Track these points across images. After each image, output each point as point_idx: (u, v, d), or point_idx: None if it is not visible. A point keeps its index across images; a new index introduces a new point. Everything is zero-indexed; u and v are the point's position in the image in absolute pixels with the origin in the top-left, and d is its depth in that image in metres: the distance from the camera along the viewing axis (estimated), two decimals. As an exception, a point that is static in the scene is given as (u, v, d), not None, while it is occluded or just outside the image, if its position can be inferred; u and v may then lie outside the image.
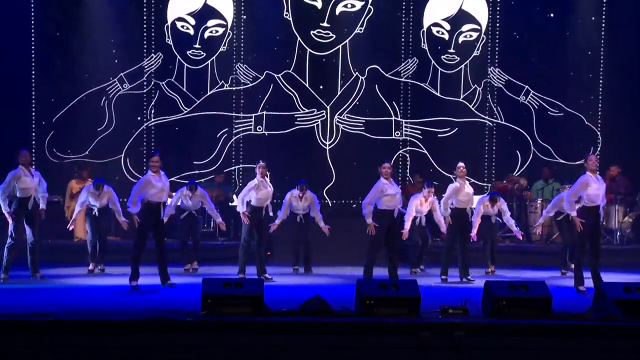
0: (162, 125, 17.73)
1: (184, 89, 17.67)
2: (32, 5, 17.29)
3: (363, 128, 17.89)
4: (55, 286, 12.18)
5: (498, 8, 17.92)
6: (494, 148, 18.17)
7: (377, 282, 9.47)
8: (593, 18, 17.93)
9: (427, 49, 17.84)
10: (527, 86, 17.93)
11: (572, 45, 17.95)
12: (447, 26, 17.80)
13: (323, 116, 17.76)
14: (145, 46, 17.61)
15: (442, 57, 17.87)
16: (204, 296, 8.87)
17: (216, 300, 8.85)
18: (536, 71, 18.03)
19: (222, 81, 17.76)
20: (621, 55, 17.79)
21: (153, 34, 17.62)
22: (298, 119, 17.77)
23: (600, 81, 18.07)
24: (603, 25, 17.99)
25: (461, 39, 17.86)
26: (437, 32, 17.81)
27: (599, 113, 18.06)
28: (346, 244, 13.53)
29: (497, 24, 18.00)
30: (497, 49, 18.04)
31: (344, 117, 17.76)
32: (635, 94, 17.69)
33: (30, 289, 11.85)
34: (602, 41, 18.02)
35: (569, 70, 18.04)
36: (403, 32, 17.89)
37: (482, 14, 17.87)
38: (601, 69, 18.04)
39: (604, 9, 18.00)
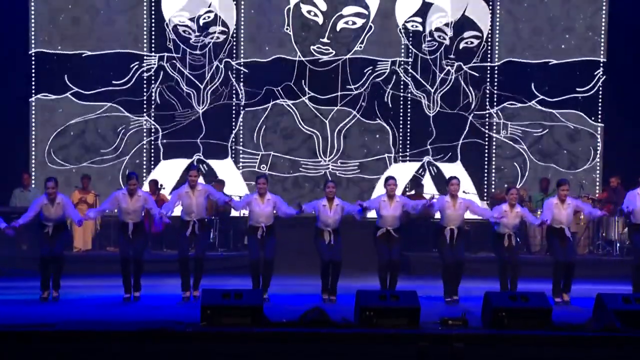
0: (162, 125, 17.75)
1: (184, 93, 17.70)
2: (32, 9, 17.39)
3: (358, 171, 17.95)
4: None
5: (498, 13, 17.95)
6: (494, 164, 18.15)
7: (376, 293, 9.47)
8: (593, 22, 17.95)
9: (427, 52, 17.90)
10: (502, 121, 17.99)
11: (573, 48, 17.97)
12: (449, 32, 17.89)
13: (328, 167, 17.82)
14: (145, 48, 17.65)
15: (442, 62, 17.93)
16: (204, 307, 8.87)
17: (216, 311, 8.85)
18: (536, 76, 18.01)
19: (222, 87, 17.77)
20: (622, 58, 17.77)
21: (153, 40, 17.69)
22: (303, 166, 17.85)
23: (600, 89, 18.06)
24: (603, 29, 17.98)
25: (462, 45, 17.92)
26: (439, 36, 17.89)
27: (599, 119, 18.05)
28: (345, 254, 13.42)
29: (497, 30, 18.01)
30: (496, 54, 18.03)
31: (337, 163, 17.88)
32: (637, 99, 17.66)
33: (30, 300, 11.83)
34: (602, 45, 18.01)
35: (568, 75, 18.02)
36: (402, 49, 17.96)
37: (484, 20, 17.93)
38: (601, 74, 18.03)
39: (604, 16, 18.02)
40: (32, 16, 17.40)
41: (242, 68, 17.76)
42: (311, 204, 12.42)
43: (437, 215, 15.65)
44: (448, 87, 17.93)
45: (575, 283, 12.38)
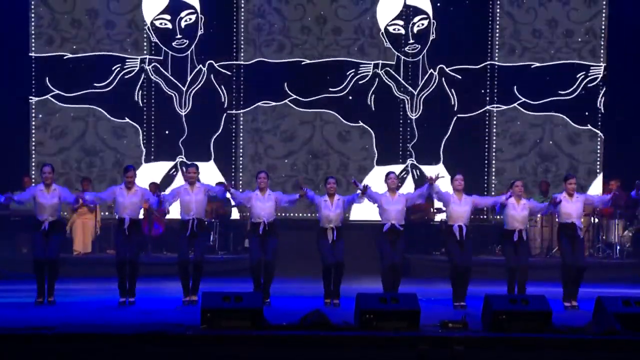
0: (159, 122, 17.83)
1: (169, 74, 17.80)
2: (32, 11, 17.44)
3: (356, 173, 18.08)
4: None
5: (498, 10, 17.99)
6: (494, 166, 18.16)
7: (376, 295, 9.45)
8: (593, 25, 18.02)
9: (390, 46, 17.97)
10: (500, 123, 18.10)
11: (572, 51, 18.02)
12: (401, 22, 18.01)
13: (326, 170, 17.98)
14: (145, 51, 17.72)
15: (405, 48, 18.00)
16: (204, 310, 8.87)
17: (216, 314, 8.85)
18: (535, 78, 18.04)
19: (206, 89, 17.80)
20: (622, 61, 17.79)
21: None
22: (302, 168, 17.93)
23: (601, 91, 18.08)
24: (603, 32, 18.02)
25: (415, 29, 18.02)
26: (394, 29, 17.99)
27: (599, 122, 18.07)
28: (345, 257, 13.42)
29: (497, 31, 18.04)
30: (496, 54, 18.05)
31: (337, 165, 18.07)
32: (637, 102, 17.65)
33: (29, 303, 11.82)
34: (602, 48, 18.04)
35: (567, 77, 18.04)
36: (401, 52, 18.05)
37: (425, 3, 18.03)
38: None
39: (604, 19, 18.06)
40: (32, 18, 17.47)
41: (223, 70, 17.85)
42: (314, 195, 12.36)
43: (438, 217, 15.65)
44: (432, 89, 17.99)
45: (576, 286, 12.35)
